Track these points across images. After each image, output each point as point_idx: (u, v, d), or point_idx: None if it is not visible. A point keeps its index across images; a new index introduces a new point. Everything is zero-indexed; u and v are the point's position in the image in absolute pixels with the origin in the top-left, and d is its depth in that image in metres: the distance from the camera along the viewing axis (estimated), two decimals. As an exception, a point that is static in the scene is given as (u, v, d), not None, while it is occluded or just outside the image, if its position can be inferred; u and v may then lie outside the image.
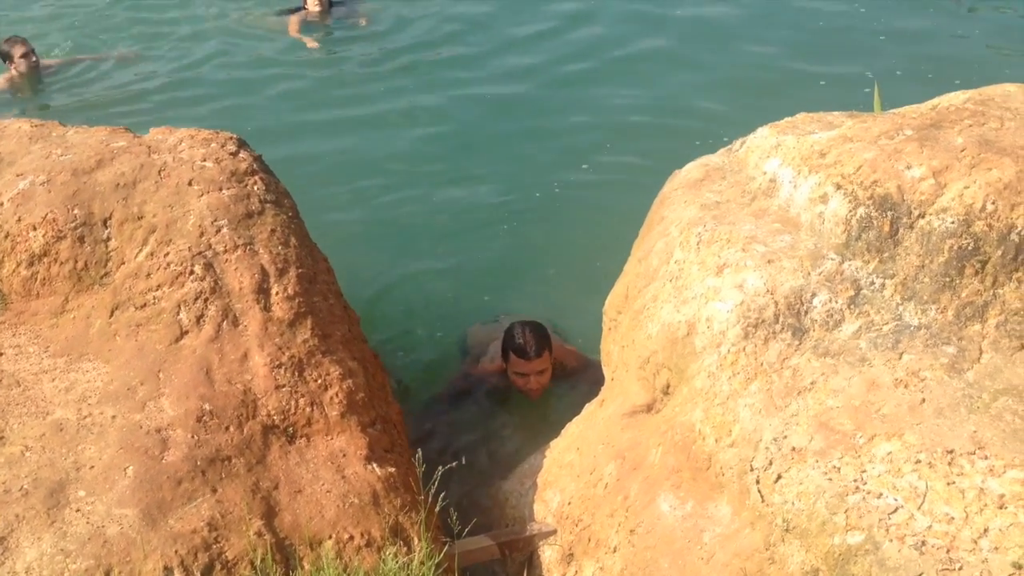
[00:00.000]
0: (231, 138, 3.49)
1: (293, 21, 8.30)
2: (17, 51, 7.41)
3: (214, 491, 2.46)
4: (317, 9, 8.31)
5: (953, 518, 2.03)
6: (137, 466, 2.44)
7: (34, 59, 7.47)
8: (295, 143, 6.41)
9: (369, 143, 6.51)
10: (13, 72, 7.47)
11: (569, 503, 2.92)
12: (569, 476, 3.02)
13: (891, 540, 2.05)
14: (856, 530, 2.10)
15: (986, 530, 1.99)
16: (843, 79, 6.88)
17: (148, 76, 7.63)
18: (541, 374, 3.95)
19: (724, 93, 7.00)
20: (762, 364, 2.55)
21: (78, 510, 2.33)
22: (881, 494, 2.14)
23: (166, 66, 7.80)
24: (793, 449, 2.33)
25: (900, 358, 2.42)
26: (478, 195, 5.95)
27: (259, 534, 2.40)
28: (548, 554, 2.90)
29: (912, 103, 3.19)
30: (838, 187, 2.72)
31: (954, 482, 2.09)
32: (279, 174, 3.54)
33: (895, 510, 2.10)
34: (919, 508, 2.08)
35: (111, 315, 2.92)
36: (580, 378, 4.08)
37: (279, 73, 7.54)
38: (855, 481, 2.19)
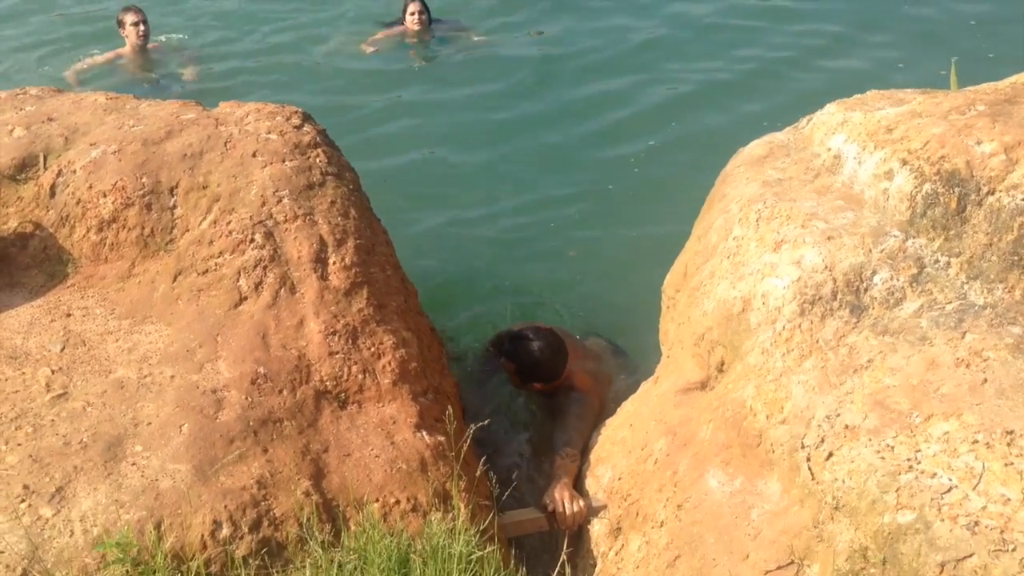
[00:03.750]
0: (296, 112, 3.54)
1: (376, 39, 8.17)
2: (129, 18, 7.49)
3: (265, 451, 2.50)
4: (416, 28, 8.14)
5: (1009, 499, 1.96)
6: (192, 424, 2.50)
7: (143, 29, 7.49)
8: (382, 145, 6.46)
9: (455, 152, 6.46)
10: (127, 42, 7.57)
11: (619, 478, 2.89)
12: (621, 452, 2.99)
13: (943, 520, 1.98)
14: (907, 509, 2.04)
15: (1044, 512, 1.91)
16: (926, 64, 6.67)
17: (241, 65, 7.70)
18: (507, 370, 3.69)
19: (798, 75, 6.86)
20: (817, 341, 2.49)
21: (134, 464, 2.39)
22: (935, 474, 2.07)
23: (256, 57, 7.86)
24: (846, 427, 2.27)
25: (963, 338, 2.33)
26: (546, 189, 5.91)
27: (307, 494, 2.43)
28: (596, 528, 2.88)
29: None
30: (904, 163, 2.64)
31: (1012, 463, 2.01)
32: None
33: (949, 490, 2.03)
34: (974, 488, 2.01)
35: (174, 280, 2.99)
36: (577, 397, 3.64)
37: (377, 83, 7.45)
38: (908, 460, 2.12)
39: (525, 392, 3.67)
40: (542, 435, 3.44)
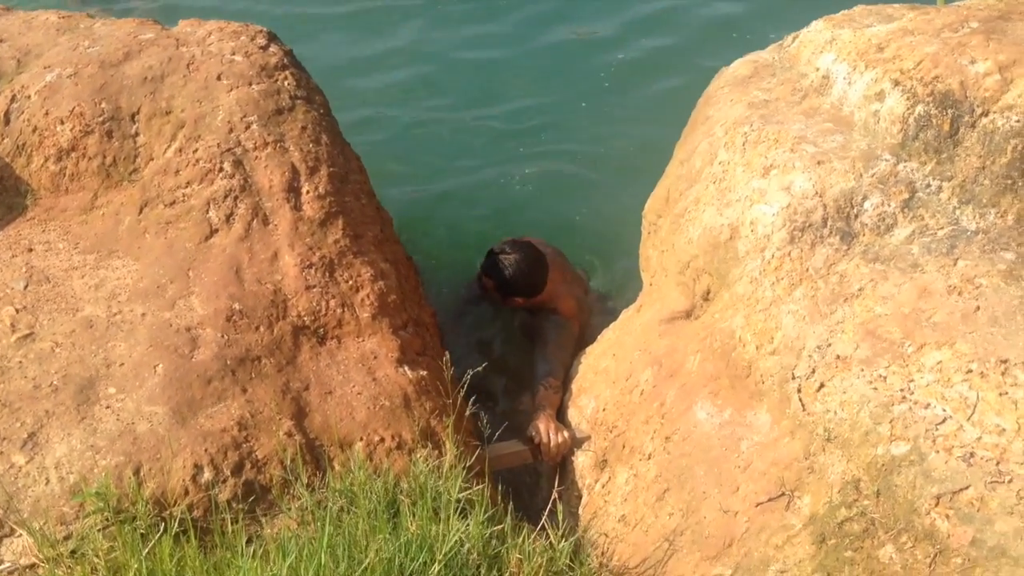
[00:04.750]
0: (261, 31, 3.37)
1: None
2: None
3: (244, 391, 2.43)
4: None
5: (1004, 429, 1.95)
6: (167, 364, 2.42)
7: None
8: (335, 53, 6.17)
9: (422, 65, 6.19)
10: None
11: (604, 409, 2.87)
12: (604, 382, 2.96)
13: (938, 451, 1.97)
14: (901, 440, 2.03)
15: (1039, 443, 1.90)
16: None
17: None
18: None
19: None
20: (808, 270, 2.44)
21: (108, 407, 2.31)
22: (929, 404, 2.05)
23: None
24: (837, 357, 2.24)
25: (955, 264, 2.30)
26: (516, 108, 5.72)
27: (289, 434, 2.37)
28: (581, 460, 2.86)
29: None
30: (896, 83, 2.57)
31: (1007, 392, 2.00)
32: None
33: (943, 421, 2.02)
34: (968, 419, 1.99)
35: (140, 212, 2.87)
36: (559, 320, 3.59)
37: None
38: (902, 391, 2.10)
39: (504, 318, 3.62)
40: (522, 363, 3.39)
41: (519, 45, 6.26)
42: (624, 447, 2.67)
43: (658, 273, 3.04)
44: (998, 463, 1.90)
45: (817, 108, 2.76)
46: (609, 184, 4.89)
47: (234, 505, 2.20)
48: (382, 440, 2.47)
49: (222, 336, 2.52)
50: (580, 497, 2.80)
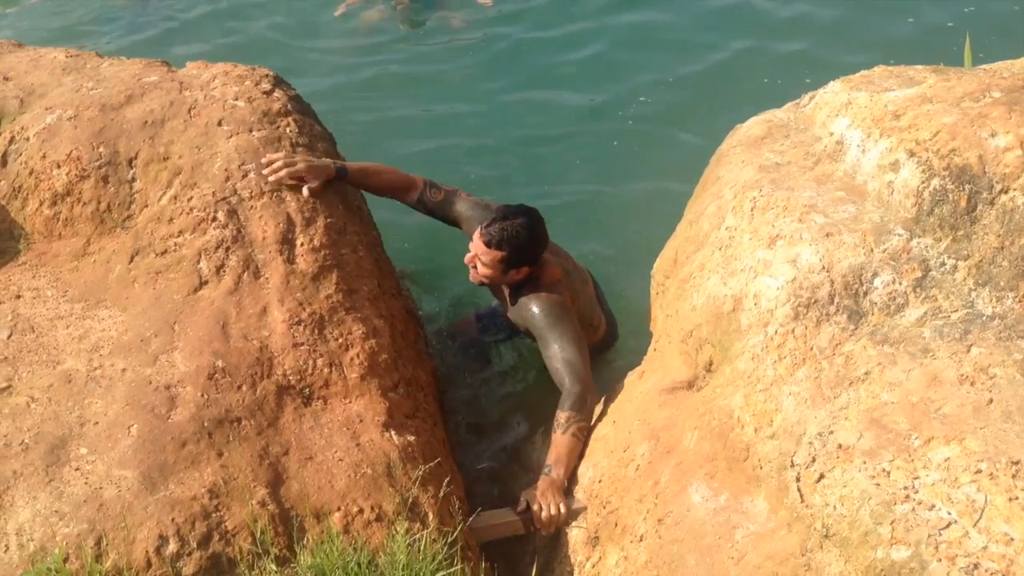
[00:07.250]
0: (267, 75, 3.33)
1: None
2: None
3: (219, 455, 2.34)
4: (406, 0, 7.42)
5: (1013, 539, 1.81)
6: (141, 425, 2.34)
7: None
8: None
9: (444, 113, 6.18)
10: None
11: (600, 481, 2.75)
12: (603, 451, 2.84)
13: (940, 559, 1.84)
14: (902, 545, 1.89)
15: (1050, 557, 1.76)
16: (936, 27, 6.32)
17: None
18: (484, 264, 3.22)
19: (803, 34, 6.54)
20: (812, 349, 2.32)
21: (77, 469, 2.24)
22: (933, 506, 1.92)
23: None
24: (839, 447, 2.11)
25: (968, 351, 2.17)
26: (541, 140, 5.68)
27: (263, 504, 2.28)
28: (575, 534, 2.74)
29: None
30: (911, 154, 2.45)
31: (1017, 497, 1.86)
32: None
33: (948, 525, 1.88)
34: (975, 525, 1.86)
35: (131, 260, 2.81)
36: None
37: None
38: (905, 488, 1.97)
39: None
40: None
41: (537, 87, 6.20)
42: (616, 525, 2.55)
43: (662, 338, 2.92)
44: (1004, 577, 1.77)
45: (830, 175, 2.65)
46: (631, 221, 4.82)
47: (198, 580, 2.11)
48: (361, 511, 2.37)
49: (202, 395, 2.44)
50: (572, 573, 2.68)
